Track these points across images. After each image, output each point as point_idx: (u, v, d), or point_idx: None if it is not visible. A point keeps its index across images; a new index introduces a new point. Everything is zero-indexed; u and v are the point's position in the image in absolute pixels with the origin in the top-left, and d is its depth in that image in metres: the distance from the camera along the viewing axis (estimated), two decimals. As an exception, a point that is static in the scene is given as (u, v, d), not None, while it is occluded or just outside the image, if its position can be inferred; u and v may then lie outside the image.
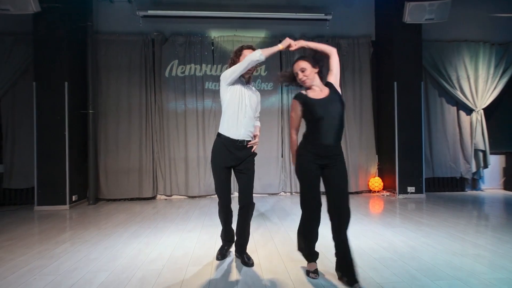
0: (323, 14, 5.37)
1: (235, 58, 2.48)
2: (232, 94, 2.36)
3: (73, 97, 4.72)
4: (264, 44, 5.47)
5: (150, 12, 5.15)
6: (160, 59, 5.31)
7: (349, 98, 5.52)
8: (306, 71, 2.13)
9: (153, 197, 5.28)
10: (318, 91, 2.14)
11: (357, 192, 5.50)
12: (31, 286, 2.10)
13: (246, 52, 2.45)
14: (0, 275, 2.27)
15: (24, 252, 2.76)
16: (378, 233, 3.19)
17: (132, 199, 5.18)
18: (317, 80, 2.18)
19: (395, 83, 5.14)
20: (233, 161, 2.36)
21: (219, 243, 2.80)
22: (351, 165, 5.45)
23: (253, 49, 2.43)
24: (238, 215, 2.43)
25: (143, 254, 2.67)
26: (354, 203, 4.70)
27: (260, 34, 5.55)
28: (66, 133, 4.59)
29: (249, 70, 2.36)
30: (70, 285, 2.09)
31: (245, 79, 2.48)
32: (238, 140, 2.33)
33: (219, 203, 2.47)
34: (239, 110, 2.35)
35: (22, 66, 4.95)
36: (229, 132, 2.34)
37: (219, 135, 2.40)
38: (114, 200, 5.15)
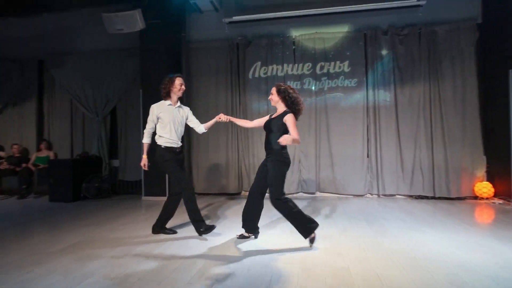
0: (415, 0, 4.86)
1: (169, 84, 3.19)
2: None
3: (170, 101, 5.31)
4: (347, 39, 5.25)
5: (235, 18, 5.43)
6: (244, 61, 5.57)
7: (448, 91, 4.90)
8: (272, 95, 2.94)
9: (238, 193, 5.58)
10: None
11: (459, 198, 4.83)
12: (142, 265, 2.45)
13: (177, 79, 3.19)
14: (121, 252, 2.71)
15: (135, 236, 3.24)
16: (490, 247, 2.75)
17: (219, 194, 5.56)
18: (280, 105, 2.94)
19: (511, 71, 4.35)
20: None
21: (304, 242, 2.80)
22: (451, 166, 4.82)
23: (182, 77, 3.27)
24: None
25: (233, 248, 2.85)
26: (455, 210, 4.15)
27: (343, 29, 5.33)
28: (165, 133, 5.20)
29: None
30: (172, 270, 2.37)
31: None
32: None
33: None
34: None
35: (132, 76, 5.80)
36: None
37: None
38: (205, 194, 5.62)
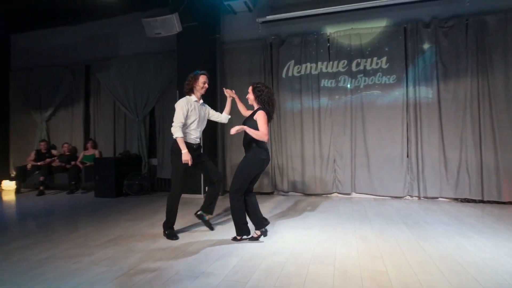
0: (462, -11, 4.55)
1: (193, 82, 3.17)
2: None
3: (206, 101, 5.43)
4: (385, 34, 5.03)
5: (269, 17, 5.44)
6: (278, 61, 5.55)
7: (499, 86, 4.51)
8: (249, 94, 3.05)
9: (271, 193, 5.58)
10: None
11: (511, 203, 4.44)
12: (179, 260, 2.53)
13: (201, 77, 3.17)
14: (159, 247, 2.84)
15: (174, 231, 3.36)
16: (549, 256, 2.49)
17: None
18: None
19: None
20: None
21: (339, 243, 2.74)
22: (502, 167, 4.44)
23: (207, 75, 3.21)
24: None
25: (267, 245, 2.86)
26: (506, 215, 3.82)
27: (381, 24, 5.11)
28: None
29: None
30: (210, 264, 2.43)
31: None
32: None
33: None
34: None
35: (169, 78, 6.03)
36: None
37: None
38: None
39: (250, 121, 2.92)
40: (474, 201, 4.61)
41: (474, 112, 4.65)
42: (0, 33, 7.19)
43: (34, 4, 6.05)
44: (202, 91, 3.22)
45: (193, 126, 3.17)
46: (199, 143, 3.29)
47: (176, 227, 3.53)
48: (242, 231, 2.98)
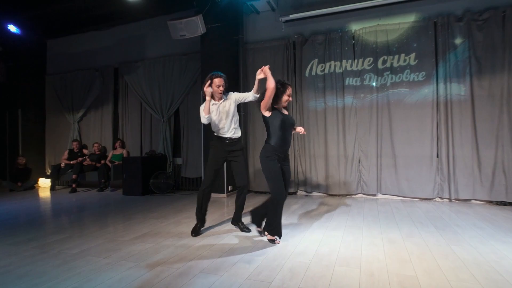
0: (498, -21, 4.29)
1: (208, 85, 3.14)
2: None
3: (229, 101, 5.49)
4: (413, 30, 4.84)
5: (292, 16, 5.40)
6: (301, 59, 5.50)
7: (540, 82, 4.22)
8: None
9: (295, 193, 5.54)
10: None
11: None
12: (204, 258, 2.57)
13: (216, 81, 3.11)
14: (185, 244, 2.89)
15: (198, 229, 3.42)
16: None
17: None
18: None
19: None
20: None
21: (365, 245, 2.68)
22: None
23: (221, 76, 3.15)
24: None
25: (291, 245, 2.84)
26: (549, 220, 3.56)
27: (409, 19, 4.93)
28: (224, 132, 5.39)
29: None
30: (233, 264, 2.44)
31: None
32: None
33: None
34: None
35: (193, 78, 6.14)
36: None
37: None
38: (260, 192, 5.70)
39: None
40: (511, 204, 4.34)
41: (511, 109, 4.37)
42: (37, 39, 7.63)
43: (67, 11, 6.37)
44: (218, 94, 3.15)
45: (218, 123, 3.21)
46: (234, 140, 3.25)
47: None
48: (273, 230, 2.94)
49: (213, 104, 3.21)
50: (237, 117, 3.30)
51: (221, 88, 3.14)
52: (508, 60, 4.38)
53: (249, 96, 3.24)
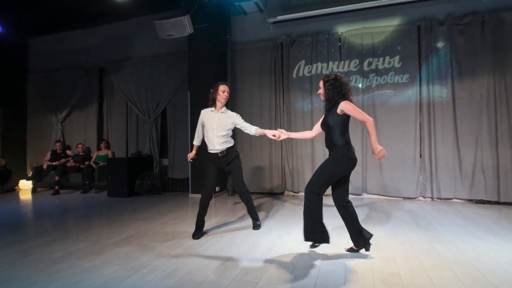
0: (478, -15, 4.44)
1: (214, 91, 3.29)
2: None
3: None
4: (398, 33, 4.96)
5: (279, 18, 5.43)
6: (288, 61, 5.54)
7: (517, 85, 4.39)
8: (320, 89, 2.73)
9: (282, 193, 5.57)
10: None
11: (529, 204, 4.32)
12: (191, 259, 2.56)
13: (220, 86, 3.27)
14: (171, 246, 2.87)
15: (184, 231, 3.39)
16: None
17: (263, 194, 5.61)
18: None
19: None
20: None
21: (350, 244, 2.72)
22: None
23: (227, 84, 3.34)
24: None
25: (278, 246, 2.86)
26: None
27: (393, 22, 5.04)
28: (211, 133, 5.37)
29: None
30: (220, 265, 2.44)
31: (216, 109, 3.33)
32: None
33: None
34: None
35: (180, 79, 6.10)
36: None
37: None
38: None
39: (332, 116, 2.55)
40: (490, 202, 4.50)
41: (490, 111, 4.53)
42: (19, 37, 7.41)
43: (51, 9, 6.21)
44: (223, 100, 3.28)
45: (207, 134, 3.29)
46: (224, 151, 3.26)
47: (188, 226, 3.57)
48: (361, 239, 2.59)
49: (211, 111, 3.31)
50: (231, 133, 3.37)
51: (226, 93, 3.27)
52: (487, 64, 4.54)
53: (250, 130, 3.33)
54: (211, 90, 3.32)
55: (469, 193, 4.60)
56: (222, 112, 3.33)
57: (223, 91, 3.27)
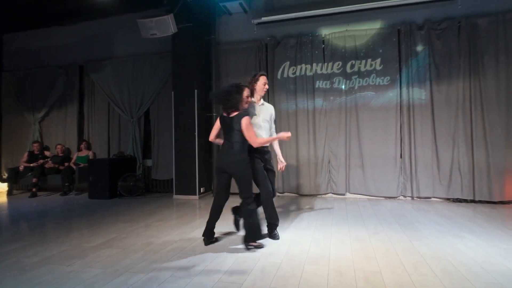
0: (454, -8, 4.61)
1: (253, 82, 3.08)
2: None
3: (200, 102, 5.44)
4: (379, 36, 5.08)
5: (264, 19, 5.45)
6: (273, 62, 5.57)
7: (490, 88, 4.59)
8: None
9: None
10: None
11: (502, 202, 4.52)
12: (175, 261, 2.53)
13: (261, 78, 3.09)
14: (155, 248, 2.83)
15: (168, 233, 3.35)
16: (538, 255, 2.54)
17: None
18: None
19: None
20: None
21: (334, 243, 2.77)
22: (493, 168, 4.51)
23: (266, 75, 3.17)
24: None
25: (282, 244, 2.87)
26: (497, 215, 3.88)
27: (375, 26, 5.16)
28: (196, 133, 5.33)
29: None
30: (204, 266, 2.43)
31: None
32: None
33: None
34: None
35: (164, 79, 6.02)
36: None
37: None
38: (234, 194, 5.67)
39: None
40: (466, 201, 4.68)
41: (466, 113, 4.72)
42: (-9, 33, 7.10)
43: (27, 4, 5.99)
44: (262, 93, 3.11)
45: (256, 128, 3.03)
46: (267, 147, 3.14)
47: (173, 228, 3.53)
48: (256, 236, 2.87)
49: (255, 103, 3.10)
50: (274, 126, 3.26)
51: (267, 86, 3.13)
52: (462, 67, 4.72)
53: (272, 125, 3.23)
54: (250, 80, 3.08)
55: (446, 192, 4.77)
56: (262, 104, 3.13)
57: (264, 84, 3.08)
